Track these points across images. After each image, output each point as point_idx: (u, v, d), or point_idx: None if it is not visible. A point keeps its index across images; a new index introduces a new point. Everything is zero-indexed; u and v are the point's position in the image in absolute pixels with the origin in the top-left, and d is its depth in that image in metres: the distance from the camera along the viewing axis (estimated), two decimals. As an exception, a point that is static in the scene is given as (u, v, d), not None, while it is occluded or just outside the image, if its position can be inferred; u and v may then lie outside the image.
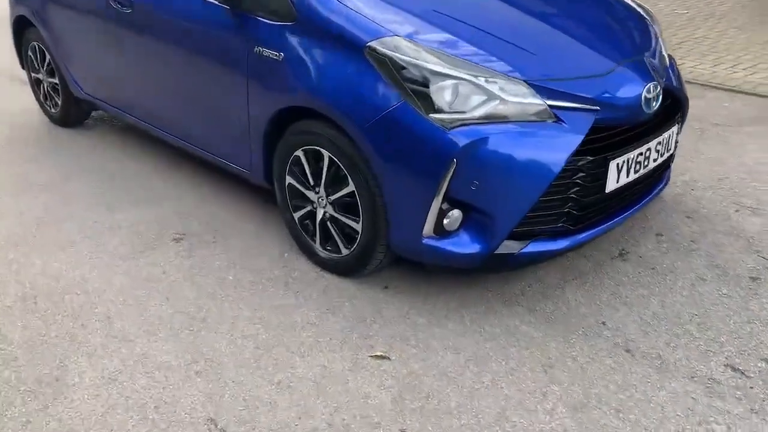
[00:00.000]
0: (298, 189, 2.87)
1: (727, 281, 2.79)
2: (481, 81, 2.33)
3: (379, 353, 2.38)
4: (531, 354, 2.38)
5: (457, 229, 2.45)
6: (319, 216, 2.80)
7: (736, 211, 3.38)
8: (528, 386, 2.23)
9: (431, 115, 2.32)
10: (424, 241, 2.45)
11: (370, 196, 2.52)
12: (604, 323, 2.54)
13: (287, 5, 2.64)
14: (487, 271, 2.54)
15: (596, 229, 2.61)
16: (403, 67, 2.36)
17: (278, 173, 2.92)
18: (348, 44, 2.47)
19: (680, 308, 2.62)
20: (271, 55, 2.69)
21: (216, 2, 2.90)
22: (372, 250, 2.63)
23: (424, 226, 2.41)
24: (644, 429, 2.05)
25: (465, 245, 2.44)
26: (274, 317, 2.58)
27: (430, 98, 2.33)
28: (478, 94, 2.34)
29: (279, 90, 2.71)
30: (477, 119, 2.32)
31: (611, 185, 2.55)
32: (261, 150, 2.96)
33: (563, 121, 2.38)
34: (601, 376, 2.27)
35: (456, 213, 2.42)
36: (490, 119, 2.33)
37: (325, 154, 2.65)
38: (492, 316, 2.58)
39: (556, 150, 2.36)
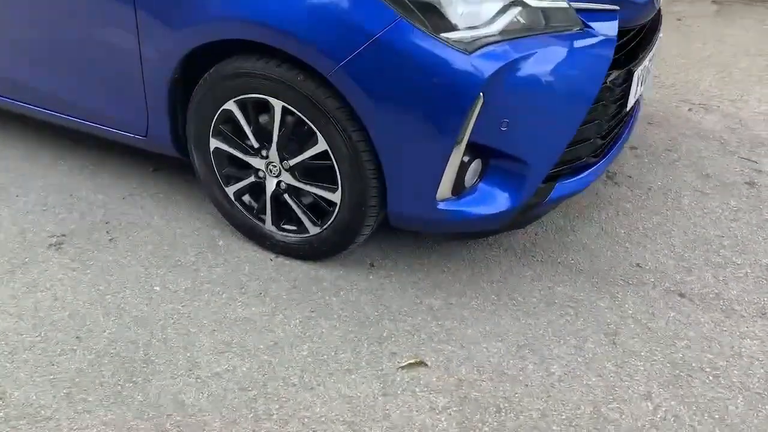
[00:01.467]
0: (231, 155, 2.10)
1: (728, 191, 2.54)
2: (505, -17, 1.73)
3: (410, 361, 1.81)
4: (586, 323, 1.94)
5: (475, 183, 1.89)
6: (271, 188, 2.08)
7: (689, 109, 3.16)
8: (606, 367, 1.80)
9: (443, 35, 1.68)
10: (440, 206, 1.86)
11: (353, 155, 1.86)
12: (639, 265, 2.16)
13: None
14: (506, 230, 2.04)
15: (609, 156, 2.18)
16: (395, -29, 1.67)
17: (196, 136, 2.12)
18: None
19: (704, 232, 2.32)
20: (173, -28, 1.85)
21: None
22: (356, 226, 1.99)
23: (438, 186, 1.82)
24: (759, 395, 1.72)
25: (490, 203, 1.89)
26: (246, 337, 1.89)
27: (440, 11, 1.68)
28: (493, 1, 1.73)
29: (194, 19, 1.88)
30: (497, 35, 1.72)
31: (631, 101, 2.11)
32: (165, 106, 2.12)
33: (590, 27, 1.87)
34: (673, 334, 1.90)
35: (475, 164, 1.85)
36: (511, 34, 1.74)
37: (276, 104, 1.91)
38: (516, 281, 2.09)
39: (593, 65, 1.86)
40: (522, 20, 1.76)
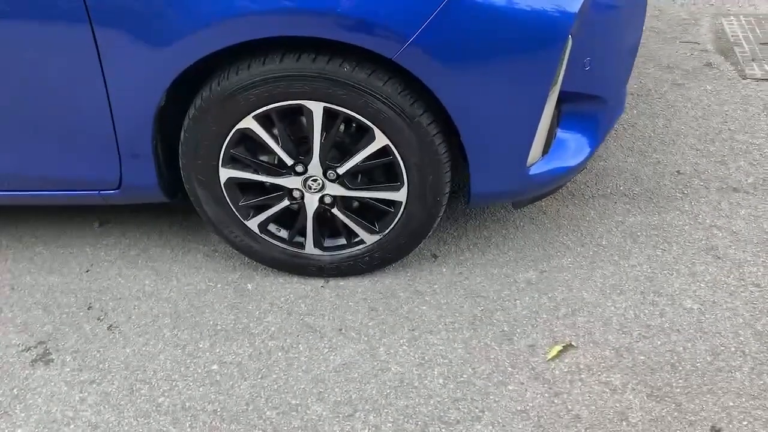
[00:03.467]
0: (252, 182, 1.70)
1: (695, 76, 2.59)
2: None
3: (556, 349, 1.62)
4: (681, 248, 1.87)
5: (555, 135, 1.70)
6: (313, 206, 1.72)
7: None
8: (730, 284, 1.74)
9: (519, -22, 1.42)
10: (531, 170, 1.65)
11: (423, 143, 1.57)
12: (678, 172, 2.13)
13: None
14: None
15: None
16: None
17: (198, 170, 1.68)
18: None
19: (707, 123, 2.34)
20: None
21: None
22: (429, 220, 1.72)
23: (530, 149, 1.60)
24: None
25: (575, 151, 1.71)
26: (364, 386, 1.57)
27: (511, -50, 1.42)
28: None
29: (184, 25, 1.43)
30: (570, -34, 1.50)
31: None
32: (148, 147, 1.65)
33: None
34: (759, 230, 1.90)
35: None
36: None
37: (315, 107, 1.54)
38: (587, 225, 1.96)
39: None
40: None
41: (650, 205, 2.01)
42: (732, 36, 2.81)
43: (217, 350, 1.69)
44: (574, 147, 1.70)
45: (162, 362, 1.67)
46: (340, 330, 1.71)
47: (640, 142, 2.28)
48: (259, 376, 1.62)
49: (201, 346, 1.70)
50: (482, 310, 1.73)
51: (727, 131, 2.29)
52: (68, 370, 1.67)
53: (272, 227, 1.80)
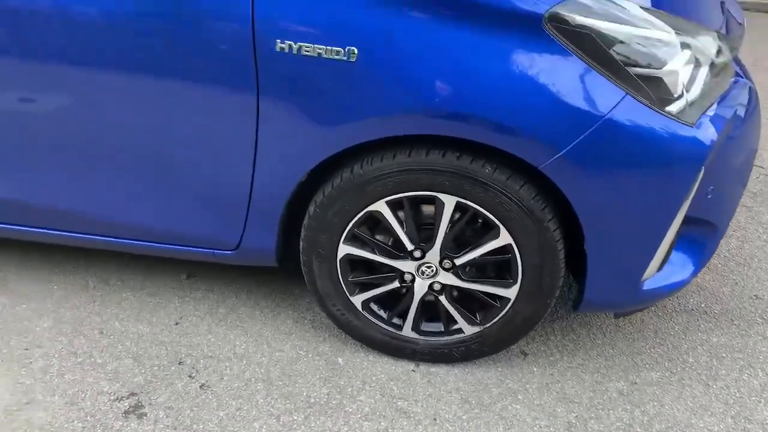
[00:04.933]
0: (367, 260, 1.74)
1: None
2: (702, 42, 1.59)
3: None
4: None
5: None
6: (421, 291, 1.75)
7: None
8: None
9: (667, 108, 1.50)
10: (645, 285, 1.69)
11: (545, 247, 1.62)
12: (756, 296, 2.18)
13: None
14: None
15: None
16: (618, 41, 1.45)
17: (319, 244, 1.72)
18: (502, 14, 1.42)
19: (782, 250, 2.41)
20: (323, 54, 1.44)
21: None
22: (535, 318, 1.76)
23: (650, 264, 1.65)
24: None
25: (681, 271, 1.76)
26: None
27: (663, 83, 1.50)
28: (692, 63, 1.58)
29: (348, 113, 1.50)
30: (707, 100, 1.59)
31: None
32: (276, 218, 1.70)
33: (740, 75, 1.81)
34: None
35: (669, 235, 1.71)
36: (711, 96, 1.62)
37: (448, 200, 1.60)
38: (673, 339, 1.99)
39: (754, 113, 1.80)
40: (711, 83, 1.64)
41: (732, 327, 2.06)
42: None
43: (312, 425, 1.68)
44: (683, 267, 1.75)
45: (257, 430, 1.66)
46: (435, 420, 1.72)
47: (717, 260, 2.34)
48: (357, 458, 1.61)
49: (295, 418, 1.70)
50: (576, 416, 1.74)
51: None
52: (162, 426, 1.66)
53: (374, 305, 1.83)
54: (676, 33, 1.52)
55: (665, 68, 1.48)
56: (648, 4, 1.54)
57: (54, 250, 2.23)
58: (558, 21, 1.42)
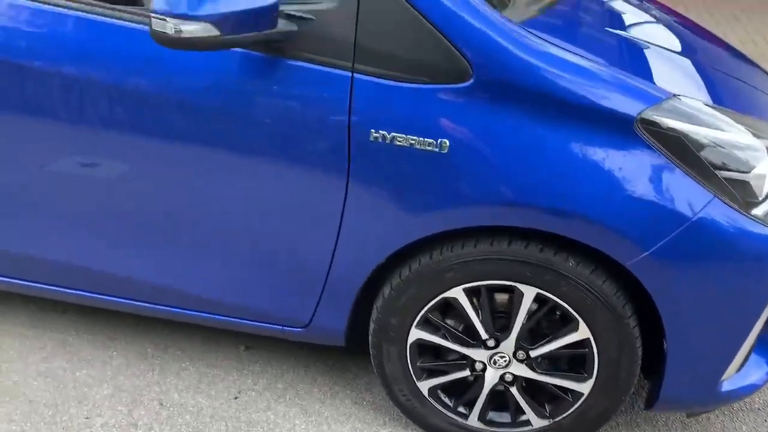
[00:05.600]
0: (438, 346, 1.73)
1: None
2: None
3: None
4: None
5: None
6: (492, 381, 1.73)
7: None
8: None
9: (753, 211, 1.51)
10: (723, 386, 1.66)
11: (624, 343, 1.60)
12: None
13: (451, 55, 1.44)
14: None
15: None
16: (707, 145, 1.47)
17: (390, 327, 1.71)
18: (595, 115, 1.45)
19: None
20: (415, 144, 1.47)
21: (263, 54, 1.48)
22: (607, 414, 1.72)
23: (729, 365, 1.62)
24: None
25: (755, 373, 1.73)
26: None
27: (750, 186, 1.51)
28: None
29: (435, 201, 1.52)
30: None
31: None
32: (350, 299, 1.70)
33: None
34: None
35: (750, 336, 1.69)
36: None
37: (527, 291, 1.59)
38: (741, 442, 1.94)
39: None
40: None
41: (802, 431, 2.00)
42: None
43: None
44: (759, 368, 1.72)
45: None
46: None
47: None
48: None
49: (359, 506, 1.66)
50: None
51: None
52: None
53: (441, 393, 1.80)
54: (756, 135, 1.54)
55: (753, 172, 1.49)
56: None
57: (113, 313, 2.24)
58: (649, 124, 1.44)
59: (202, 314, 1.86)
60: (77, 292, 1.92)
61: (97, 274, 1.87)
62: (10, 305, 2.23)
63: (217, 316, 1.86)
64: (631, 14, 2.04)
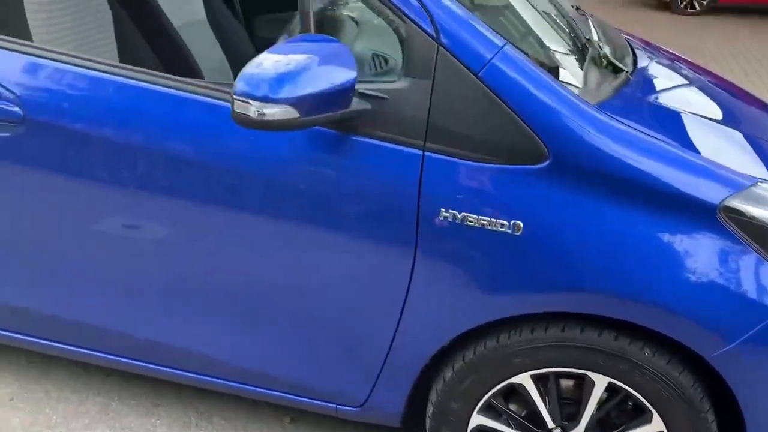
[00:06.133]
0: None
1: None
2: None
3: None
4: None
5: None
6: (557, 470, 1.65)
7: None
8: None
9: (842, 301, 1.43)
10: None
11: (701, 436, 1.52)
12: None
13: (527, 136, 1.41)
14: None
15: None
16: (795, 234, 1.42)
17: (451, 412, 1.64)
18: (675, 201, 1.40)
19: None
20: (487, 225, 1.43)
21: (331, 130, 1.46)
22: None
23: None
24: None
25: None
26: None
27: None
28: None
29: (506, 285, 1.46)
30: None
31: None
32: (411, 380, 1.64)
33: None
34: None
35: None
36: None
37: (599, 379, 1.52)
38: None
39: None
40: None
41: None
42: None
43: None
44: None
45: None
46: None
47: None
48: None
49: None
50: None
51: None
52: None
53: (498, 479, 1.72)
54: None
55: (843, 261, 1.43)
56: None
57: (157, 378, 2.19)
58: (732, 212, 1.39)
59: (253, 388, 1.81)
60: (125, 359, 1.88)
61: (141, 341, 1.83)
62: (55, 368, 2.20)
63: (267, 391, 1.80)
64: (697, 92, 2.00)
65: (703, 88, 2.07)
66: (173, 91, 1.56)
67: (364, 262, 1.53)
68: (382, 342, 1.60)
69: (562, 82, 1.51)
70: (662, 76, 1.98)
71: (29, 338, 1.92)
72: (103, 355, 1.90)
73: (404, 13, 1.42)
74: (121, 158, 1.61)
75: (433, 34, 1.42)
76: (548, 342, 1.51)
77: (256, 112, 1.25)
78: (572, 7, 2.28)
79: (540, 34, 1.83)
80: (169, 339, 1.80)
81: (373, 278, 1.55)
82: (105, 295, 1.79)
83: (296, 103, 1.28)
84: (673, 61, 2.30)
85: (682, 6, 9.79)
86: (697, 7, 9.77)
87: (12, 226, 1.76)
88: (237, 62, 2.44)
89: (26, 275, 1.82)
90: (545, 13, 2.07)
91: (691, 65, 2.37)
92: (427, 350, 1.58)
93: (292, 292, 1.64)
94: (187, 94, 1.56)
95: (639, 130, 1.44)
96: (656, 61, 2.11)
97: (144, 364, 1.88)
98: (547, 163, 1.40)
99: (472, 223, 1.44)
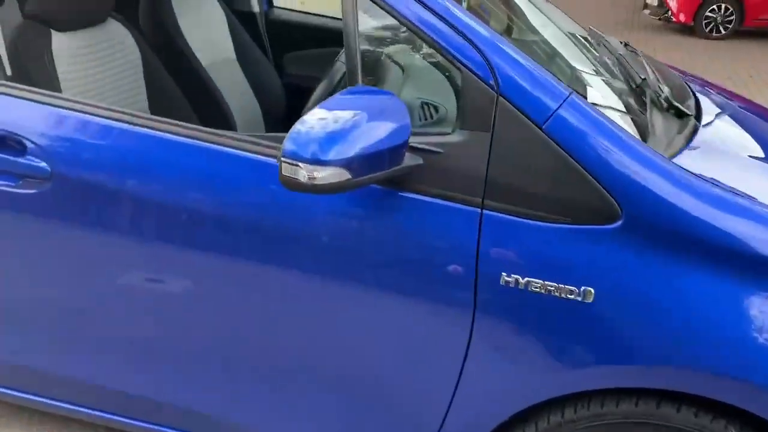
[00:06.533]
0: None
1: None
2: None
3: None
4: None
5: None
6: None
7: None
8: None
9: None
10: None
11: None
12: None
13: (598, 194, 1.28)
14: None
15: None
16: None
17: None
18: (762, 264, 1.26)
19: None
20: (554, 292, 1.30)
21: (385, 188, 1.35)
22: None
23: None
24: None
25: None
26: None
27: None
28: None
29: (575, 357, 1.32)
30: None
31: None
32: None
33: None
34: None
35: None
36: None
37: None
38: None
39: None
40: None
41: None
42: None
43: None
44: None
45: None
46: None
47: None
48: None
49: None
50: None
51: None
52: None
53: None
54: None
55: None
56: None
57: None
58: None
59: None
60: (145, 424, 1.76)
61: (164, 405, 1.71)
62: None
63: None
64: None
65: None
66: (204, 144, 1.46)
67: (417, 328, 1.40)
68: (435, 414, 1.46)
69: (629, 131, 1.38)
70: (729, 122, 1.84)
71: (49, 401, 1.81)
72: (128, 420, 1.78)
73: (461, 62, 1.31)
74: (152, 214, 1.50)
75: (493, 84, 1.30)
76: (620, 418, 1.37)
77: (306, 176, 1.14)
78: (621, 43, 2.16)
79: (595, 78, 1.71)
80: (198, 405, 1.68)
81: (426, 345, 1.42)
82: (132, 354, 1.67)
83: (347, 163, 1.17)
84: (731, 99, 2.16)
85: (707, 30, 9.64)
86: (723, 31, 9.61)
87: (33, 285, 1.66)
88: (266, 101, 2.35)
89: (49, 336, 1.72)
90: (593, 51, 1.96)
91: (750, 104, 2.23)
92: (484, 427, 1.44)
93: (333, 361, 1.51)
94: (221, 147, 1.45)
95: (722, 187, 1.31)
96: (716, 102, 1.98)
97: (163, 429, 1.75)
98: (620, 222, 1.27)
99: (538, 290, 1.30)
